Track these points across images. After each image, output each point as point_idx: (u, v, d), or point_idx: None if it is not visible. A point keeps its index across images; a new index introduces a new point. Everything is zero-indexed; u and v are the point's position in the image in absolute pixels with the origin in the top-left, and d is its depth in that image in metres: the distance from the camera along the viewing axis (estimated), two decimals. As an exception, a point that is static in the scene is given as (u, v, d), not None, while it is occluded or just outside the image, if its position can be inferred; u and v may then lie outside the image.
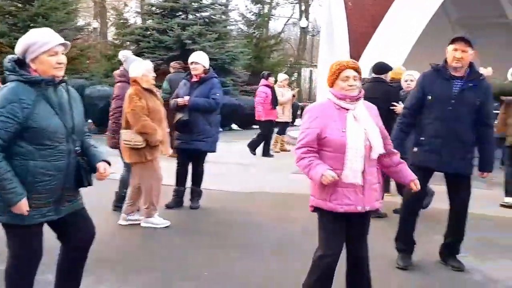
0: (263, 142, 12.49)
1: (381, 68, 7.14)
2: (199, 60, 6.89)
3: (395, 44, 11.53)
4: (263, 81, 12.30)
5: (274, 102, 12.03)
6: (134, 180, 6.04)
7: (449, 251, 5.02)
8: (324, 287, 3.59)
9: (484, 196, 7.72)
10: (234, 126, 20.64)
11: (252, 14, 30.88)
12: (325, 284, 3.58)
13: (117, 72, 6.79)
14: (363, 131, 3.48)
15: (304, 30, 38.41)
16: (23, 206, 3.07)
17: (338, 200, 3.49)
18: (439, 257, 5.06)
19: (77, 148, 3.25)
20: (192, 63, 6.89)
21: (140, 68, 5.91)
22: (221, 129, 18.39)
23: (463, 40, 4.65)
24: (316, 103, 3.87)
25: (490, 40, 16.87)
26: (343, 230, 3.57)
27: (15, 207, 3.06)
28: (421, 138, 4.85)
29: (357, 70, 3.55)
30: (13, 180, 3.02)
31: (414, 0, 11.81)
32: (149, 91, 5.91)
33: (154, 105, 5.90)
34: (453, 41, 4.69)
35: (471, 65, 4.73)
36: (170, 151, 6.39)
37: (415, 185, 3.72)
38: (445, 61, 4.79)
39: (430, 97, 4.76)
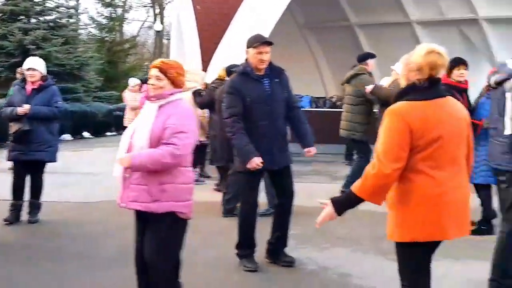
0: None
1: (233, 69, 7.19)
2: (37, 66, 6.51)
3: (244, 47, 11.66)
4: (144, 87, 11.89)
5: None
6: None
7: (279, 245, 5.04)
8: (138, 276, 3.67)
9: (324, 190, 7.95)
10: (85, 134, 19.79)
11: (104, 18, 29.89)
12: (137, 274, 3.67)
13: None
14: (132, 129, 3.55)
15: (159, 34, 37.96)
16: None
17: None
18: (267, 255, 5.06)
19: None
20: (29, 69, 6.48)
21: None
22: (71, 138, 17.73)
23: (266, 43, 4.81)
24: None
25: (336, 42, 17.81)
26: (139, 226, 3.65)
27: None
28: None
29: (161, 69, 3.53)
30: None
31: (260, 3, 12.02)
32: None
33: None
34: (257, 45, 4.79)
35: (269, 62, 4.90)
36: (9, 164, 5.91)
37: None
38: (247, 62, 4.89)
39: (248, 100, 4.81)
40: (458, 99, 5.96)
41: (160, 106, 3.52)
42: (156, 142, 3.43)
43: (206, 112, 8.42)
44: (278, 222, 5.06)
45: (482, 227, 6.12)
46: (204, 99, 8.19)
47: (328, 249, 5.49)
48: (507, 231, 4.30)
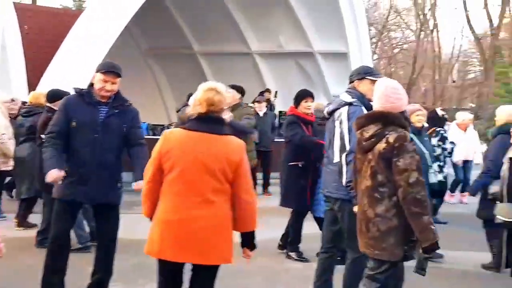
0: None
1: (53, 95, 6.66)
2: None
3: (75, 70, 11.03)
4: None
5: None
6: None
7: None
8: None
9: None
10: None
11: None
12: None
13: None
14: None
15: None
16: None
17: None
18: None
19: None
20: None
21: None
22: None
23: (115, 74, 4.50)
24: None
25: (180, 70, 17.71)
26: None
27: None
28: (66, 169, 4.49)
29: None
30: None
31: (94, 27, 11.51)
32: None
33: None
34: (104, 71, 4.49)
35: (117, 92, 4.60)
36: None
37: None
38: (91, 85, 4.57)
39: (74, 123, 4.47)
40: (305, 130, 6.21)
41: None
42: None
43: (3, 138, 7.61)
44: (97, 266, 4.66)
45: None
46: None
47: (143, 286, 5.13)
48: (351, 258, 4.35)
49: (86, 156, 4.46)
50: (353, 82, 4.55)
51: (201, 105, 3.36)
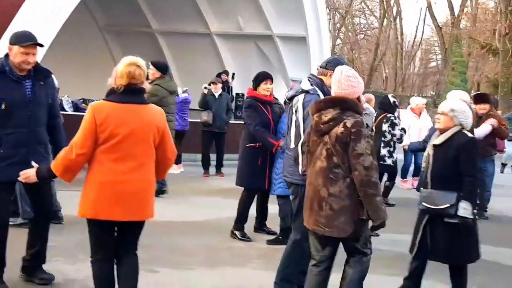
0: None
1: None
2: None
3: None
4: None
5: None
6: None
7: (37, 262, 4.59)
8: None
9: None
10: None
11: None
12: None
13: None
14: None
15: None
16: None
17: None
18: (22, 273, 4.59)
19: None
20: None
21: None
22: None
23: (36, 44, 4.28)
24: None
25: (138, 48, 17.38)
26: None
27: None
28: (0, 151, 4.33)
29: None
30: None
31: (47, 2, 11.19)
32: None
33: None
34: (26, 44, 4.22)
35: (35, 63, 4.41)
36: None
37: None
38: (7, 57, 4.28)
39: (3, 106, 4.24)
40: (264, 111, 6.23)
41: None
42: None
43: None
44: (34, 238, 4.60)
45: (280, 238, 6.16)
46: None
47: (83, 261, 5.07)
48: (293, 239, 4.44)
49: (23, 136, 4.33)
50: (326, 69, 4.45)
51: (122, 78, 3.55)
